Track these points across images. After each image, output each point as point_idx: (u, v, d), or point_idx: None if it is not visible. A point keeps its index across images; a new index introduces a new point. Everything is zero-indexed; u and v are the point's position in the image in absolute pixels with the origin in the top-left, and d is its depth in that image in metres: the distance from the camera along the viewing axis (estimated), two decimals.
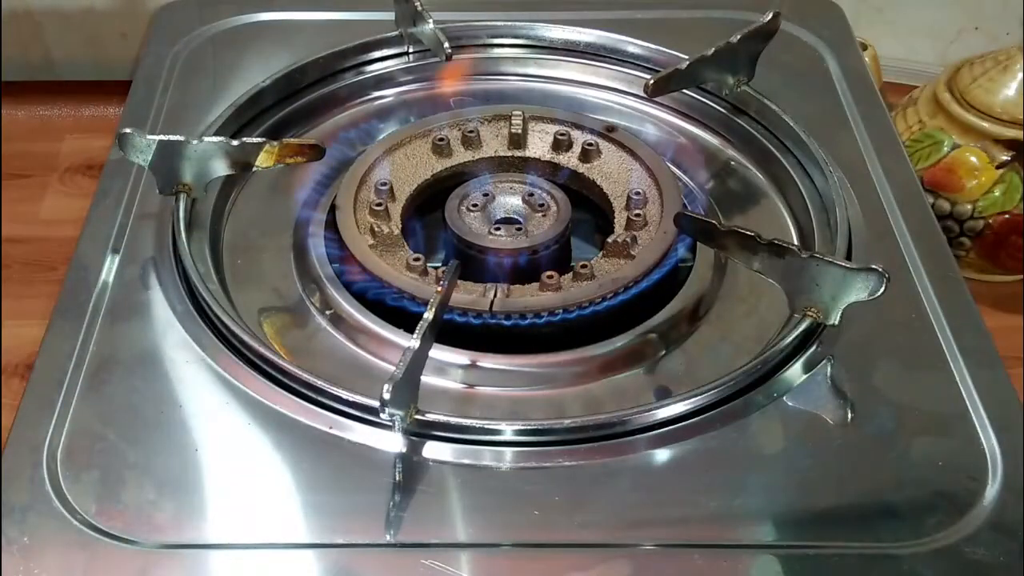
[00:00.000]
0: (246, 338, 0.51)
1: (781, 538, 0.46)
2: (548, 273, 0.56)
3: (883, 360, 0.53)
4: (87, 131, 0.91)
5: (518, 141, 0.66)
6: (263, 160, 0.60)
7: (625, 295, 0.56)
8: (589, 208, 0.65)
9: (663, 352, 0.55)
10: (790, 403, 0.51)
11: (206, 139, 0.59)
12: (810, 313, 0.52)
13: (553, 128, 0.66)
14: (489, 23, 0.74)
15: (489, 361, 0.53)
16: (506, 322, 0.55)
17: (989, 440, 0.49)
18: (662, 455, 0.49)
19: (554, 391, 0.53)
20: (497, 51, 0.74)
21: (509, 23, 0.74)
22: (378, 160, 0.63)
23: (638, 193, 0.61)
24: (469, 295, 0.55)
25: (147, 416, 0.50)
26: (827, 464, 0.48)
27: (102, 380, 0.51)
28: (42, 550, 0.44)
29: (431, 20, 0.69)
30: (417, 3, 0.70)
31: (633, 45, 0.72)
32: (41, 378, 0.51)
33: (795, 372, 0.52)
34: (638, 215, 0.60)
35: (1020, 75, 0.73)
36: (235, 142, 0.59)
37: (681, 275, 0.59)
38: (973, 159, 0.73)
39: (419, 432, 0.48)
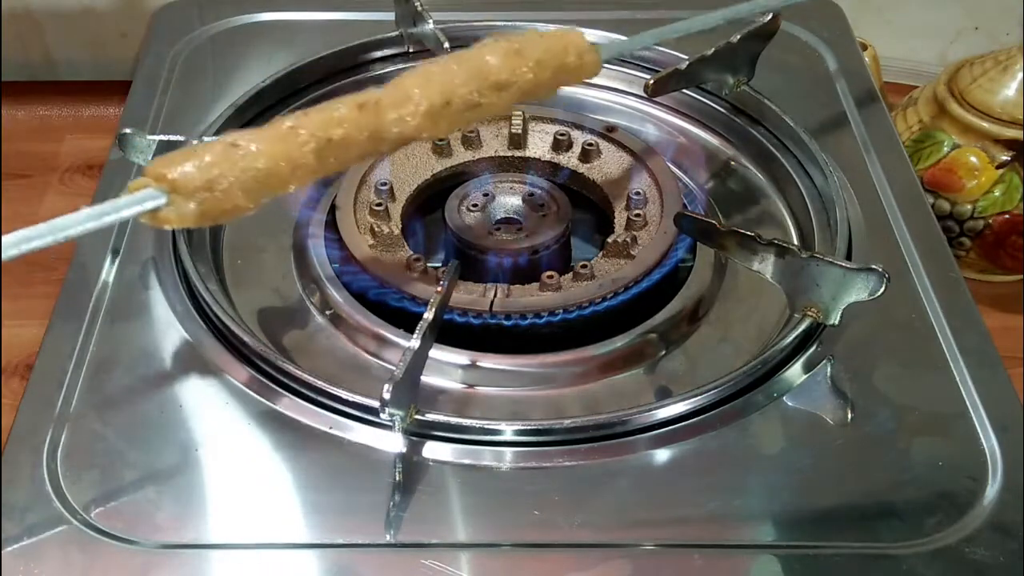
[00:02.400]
0: (246, 338, 0.51)
1: (781, 538, 0.46)
2: (548, 273, 0.56)
3: (883, 360, 0.53)
4: (87, 131, 0.91)
5: (518, 141, 0.66)
6: None
7: (625, 295, 0.56)
8: (589, 208, 0.65)
9: (663, 352, 0.55)
10: (790, 403, 0.51)
11: (206, 139, 0.58)
12: (810, 313, 0.52)
13: (553, 128, 0.66)
14: (489, 23, 0.74)
15: (489, 361, 0.53)
16: (506, 322, 0.55)
17: (989, 440, 0.49)
18: (662, 455, 0.49)
19: (554, 391, 0.53)
20: None
21: (509, 23, 0.74)
22: (378, 160, 0.63)
23: (638, 193, 0.61)
24: (469, 295, 0.55)
25: (147, 416, 0.50)
26: (827, 464, 0.48)
27: (102, 380, 0.51)
28: (42, 550, 0.44)
29: (431, 20, 0.69)
30: (417, 3, 0.70)
31: None
32: (41, 378, 0.51)
33: (795, 372, 0.52)
34: (638, 215, 0.60)
35: (1020, 75, 0.73)
36: None
37: (681, 275, 0.59)
38: (973, 159, 0.73)
39: (419, 432, 0.48)
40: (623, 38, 0.61)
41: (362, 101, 0.46)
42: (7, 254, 0.38)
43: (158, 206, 0.42)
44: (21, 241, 0.38)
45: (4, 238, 0.38)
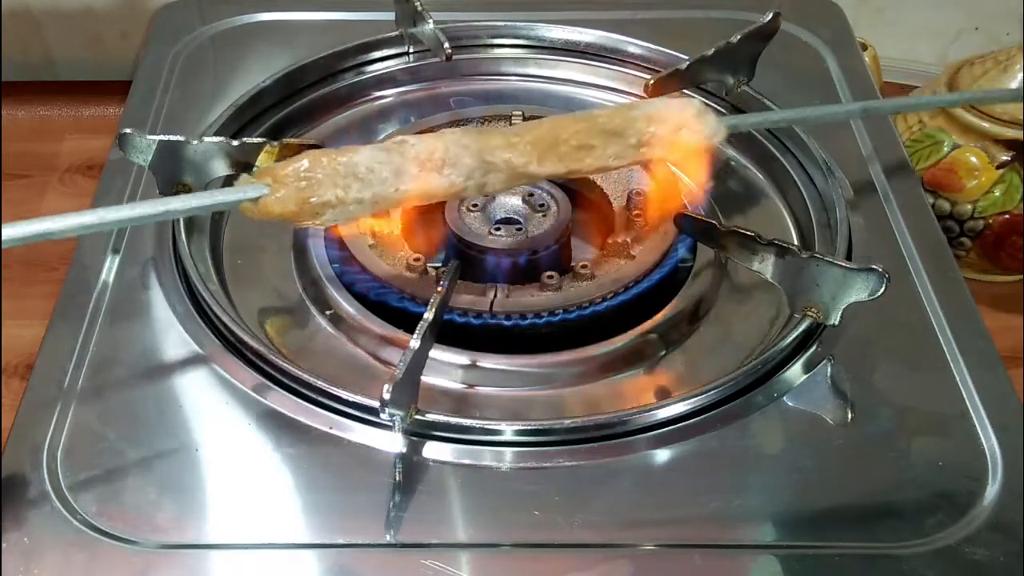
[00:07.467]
0: (246, 338, 0.51)
1: (781, 538, 0.46)
2: (548, 273, 0.56)
3: (883, 360, 0.53)
4: (87, 131, 0.91)
5: None
6: (263, 160, 0.60)
7: (625, 295, 0.56)
8: (589, 208, 0.65)
9: (663, 352, 0.55)
10: (790, 403, 0.51)
11: (206, 139, 0.59)
12: (810, 313, 0.52)
13: None
14: (489, 23, 0.74)
15: (489, 361, 0.53)
16: (506, 322, 0.55)
17: (989, 440, 0.49)
18: (662, 455, 0.49)
19: (554, 391, 0.53)
20: (497, 51, 0.74)
21: (509, 23, 0.74)
22: None
23: (638, 193, 0.61)
24: (469, 295, 0.55)
25: (147, 416, 0.50)
26: (827, 464, 0.48)
27: (102, 380, 0.51)
28: (42, 550, 0.44)
29: (431, 20, 0.69)
30: (417, 3, 0.70)
31: (633, 45, 0.72)
32: (41, 378, 0.51)
33: (795, 372, 0.52)
34: (638, 215, 0.60)
35: (1020, 75, 0.73)
36: (235, 142, 0.59)
37: (681, 275, 0.59)
38: (973, 159, 0.73)
39: (419, 432, 0.48)
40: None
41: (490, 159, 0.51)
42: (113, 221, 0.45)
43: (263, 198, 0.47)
44: (126, 218, 0.45)
45: (101, 210, 0.44)
